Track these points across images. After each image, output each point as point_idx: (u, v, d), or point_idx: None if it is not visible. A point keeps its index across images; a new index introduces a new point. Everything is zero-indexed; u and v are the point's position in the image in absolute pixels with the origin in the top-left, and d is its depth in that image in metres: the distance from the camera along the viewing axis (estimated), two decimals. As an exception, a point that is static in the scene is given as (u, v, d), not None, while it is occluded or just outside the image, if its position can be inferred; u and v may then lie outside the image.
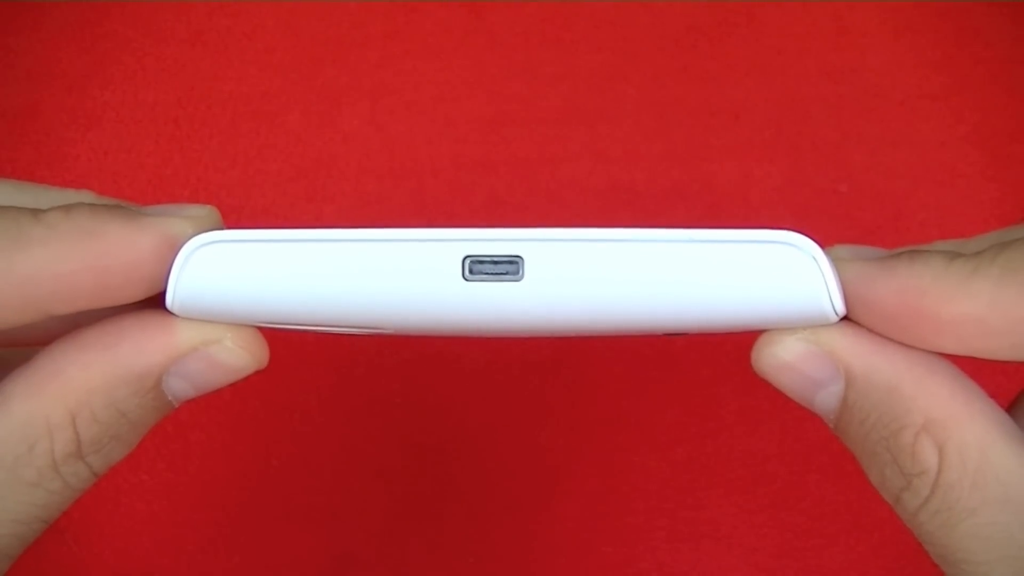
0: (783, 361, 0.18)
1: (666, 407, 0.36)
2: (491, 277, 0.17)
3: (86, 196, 0.19)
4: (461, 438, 0.36)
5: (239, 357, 0.19)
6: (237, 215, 0.38)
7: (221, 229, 0.18)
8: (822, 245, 0.17)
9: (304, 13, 0.41)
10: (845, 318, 0.18)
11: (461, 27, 0.41)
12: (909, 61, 0.40)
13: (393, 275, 0.17)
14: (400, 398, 0.36)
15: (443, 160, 0.39)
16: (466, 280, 0.17)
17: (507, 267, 0.17)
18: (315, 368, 0.36)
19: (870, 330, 0.18)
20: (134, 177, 0.39)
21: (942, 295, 0.16)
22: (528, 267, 0.17)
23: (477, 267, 0.17)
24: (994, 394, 0.18)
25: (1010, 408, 0.19)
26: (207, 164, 0.39)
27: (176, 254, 0.17)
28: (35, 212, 0.17)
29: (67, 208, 0.17)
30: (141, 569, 0.34)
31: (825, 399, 0.18)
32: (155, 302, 0.18)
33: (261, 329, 0.19)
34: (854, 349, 0.18)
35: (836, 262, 0.17)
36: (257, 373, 0.19)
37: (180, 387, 0.18)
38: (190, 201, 0.38)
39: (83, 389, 0.17)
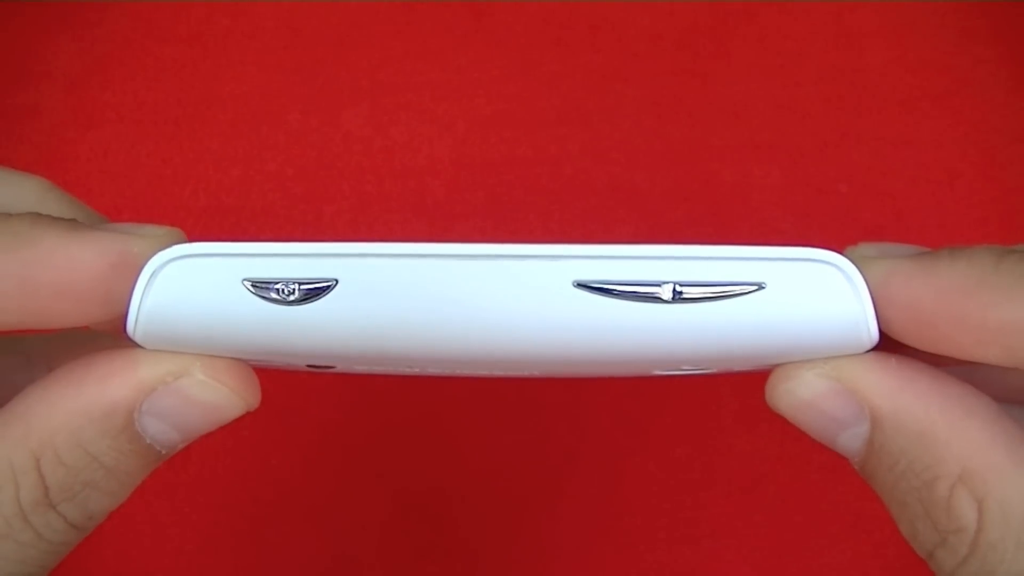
0: (801, 399, 0.16)
1: (666, 407, 0.36)
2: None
3: (36, 182, 0.18)
4: (461, 438, 0.36)
5: (215, 392, 0.17)
6: (237, 215, 0.38)
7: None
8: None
9: (304, 13, 0.41)
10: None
11: (461, 27, 0.41)
12: (909, 61, 0.40)
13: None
14: (400, 398, 0.36)
15: (443, 160, 0.39)
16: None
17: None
18: (315, 368, 0.36)
19: (899, 339, 0.16)
20: (134, 177, 0.39)
21: (989, 298, 0.14)
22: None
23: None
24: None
25: None
26: (207, 164, 0.39)
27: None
28: None
29: (8, 215, 0.16)
30: (141, 569, 0.34)
31: (849, 440, 0.16)
32: None
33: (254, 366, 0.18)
34: (881, 385, 0.16)
35: (862, 261, 0.16)
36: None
37: (158, 428, 0.17)
38: (189, 203, 0.38)
39: (45, 428, 0.16)
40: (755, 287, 0.16)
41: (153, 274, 0.16)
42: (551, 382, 0.36)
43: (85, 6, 0.41)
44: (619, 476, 0.35)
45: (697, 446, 0.36)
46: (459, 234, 0.38)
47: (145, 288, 0.16)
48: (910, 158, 0.39)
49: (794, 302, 0.16)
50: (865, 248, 0.16)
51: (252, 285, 0.16)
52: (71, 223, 0.16)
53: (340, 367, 0.20)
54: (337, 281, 0.16)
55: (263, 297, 0.16)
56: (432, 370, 0.21)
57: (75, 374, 0.16)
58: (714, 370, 0.21)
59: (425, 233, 0.38)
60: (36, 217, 0.16)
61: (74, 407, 0.16)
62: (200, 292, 0.16)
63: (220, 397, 0.17)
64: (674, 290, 0.16)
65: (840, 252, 0.16)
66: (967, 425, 0.15)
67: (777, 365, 0.17)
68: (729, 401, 0.36)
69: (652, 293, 0.16)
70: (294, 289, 0.16)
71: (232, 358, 0.17)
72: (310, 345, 0.16)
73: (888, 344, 0.16)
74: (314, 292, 0.16)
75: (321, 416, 0.36)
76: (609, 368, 0.21)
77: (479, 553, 0.35)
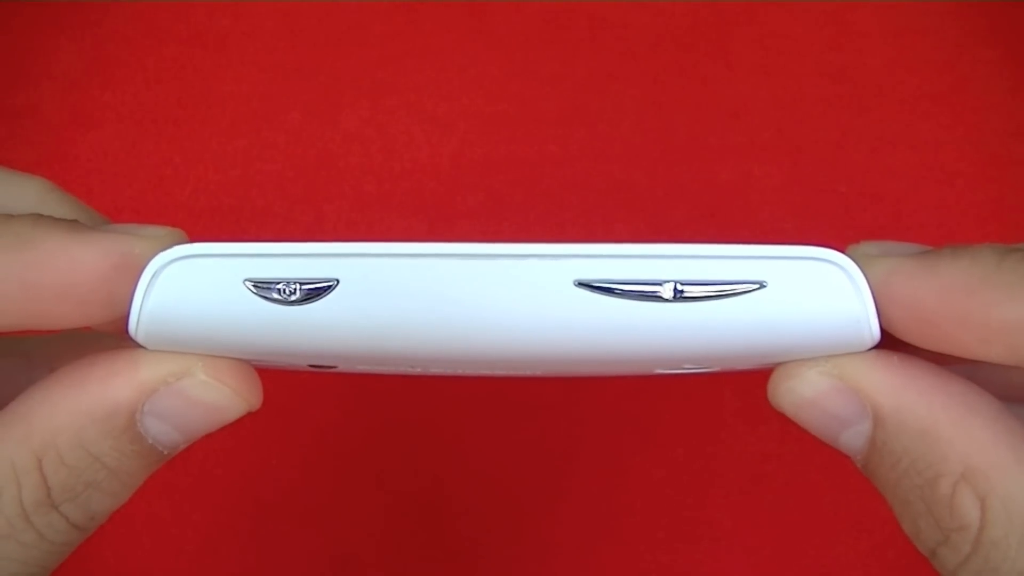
0: (803, 398, 0.16)
1: (666, 407, 0.36)
2: None
3: (37, 183, 0.18)
4: (461, 438, 0.36)
5: (216, 392, 0.17)
6: (237, 215, 0.38)
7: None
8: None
9: (304, 13, 0.41)
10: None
11: (461, 27, 0.41)
12: (909, 61, 0.40)
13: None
14: (400, 398, 0.36)
15: (443, 160, 0.39)
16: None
17: None
18: (315, 368, 0.36)
19: (901, 338, 0.16)
20: (134, 177, 0.39)
21: (992, 296, 0.14)
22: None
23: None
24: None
25: None
26: (207, 164, 0.39)
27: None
28: None
29: (9, 216, 0.16)
30: (141, 569, 0.34)
31: (851, 439, 0.16)
32: None
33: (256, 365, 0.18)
34: (883, 383, 0.16)
35: (863, 259, 0.16)
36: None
37: (160, 429, 0.17)
38: (189, 203, 0.38)
39: (47, 429, 0.16)
40: (756, 286, 0.16)
41: (155, 275, 0.16)
42: (551, 382, 0.36)
43: (85, 6, 0.41)
44: (619, 476, 0.35)
45: (697, 446, 0.36)
46: (459, 234, 0.38)
47: (147, 289, 0.16)
48: (910, 158, 0.39)
49: (796, 300, 0.16)
50: (867, 247, 0.16)
51: (253, 285, 0.16)
52: (72, 224, 0.16)
53: (342, 367, 0.20)
54: (338, 281, 0.16)
55: (264, 297, 0.16)
56: (434, 370, 0.21)
57: (77, 375, 0.16)
58: (716, 369, 0.21)
59: (425, 233, 0.38)
60: (37, 218, 0.16)
61: (76, 408, 0.16)
62: (202, 293, 0.16)
63: (222, 397, 0.17)
64: (675, 289, 0.16)
65: (841, 251, 0.16)
66: (969, 423, 0.15)
67: (779, 363, 0.17)
68: (730, 401, 0.36)
69: (653, 292, 0.16)
70: (295, 289, 0.16)
71: (234, 358, 0.17)
72: (311, 345, 0.16)
73: (890, 342, 0.16)
74: (315, 292, 0.16)
75: (321, 416, 0.36)
76: (611, 367, 0.21)
77: (479, 553, 0.35)
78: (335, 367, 0.20)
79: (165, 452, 0.17)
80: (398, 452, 0.36)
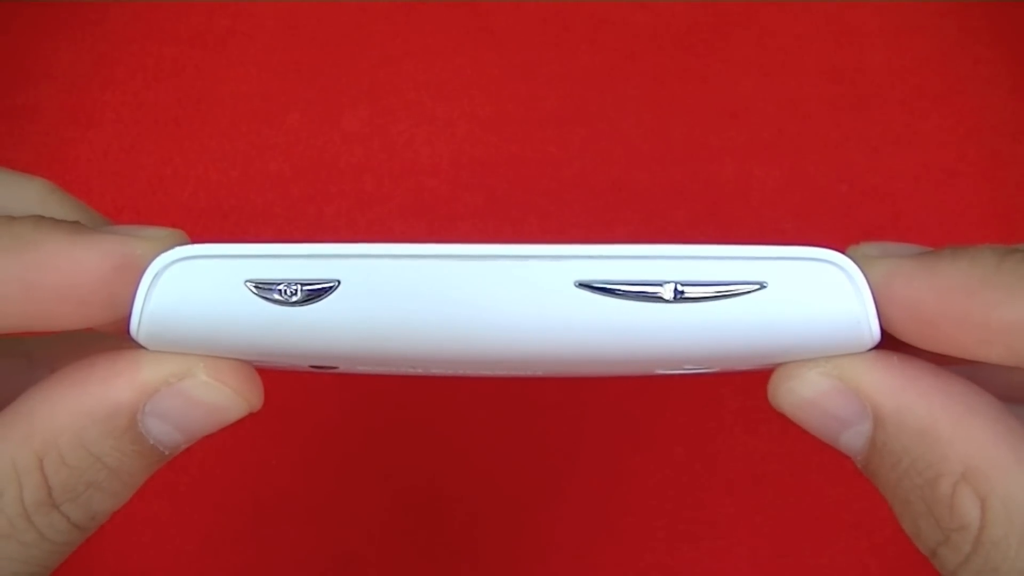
0: (803, 398, 0.16)
1: (666, 407, 0.36)
2: None
3: (38, 184, 0.18)
4: (461, 438, 0.36)
5: (218, 393, 0.17)
6: (237, 215, 0.38)
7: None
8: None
9: (304, 13, 0.41)
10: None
11: (461, 27, 0.41)
12: (909, 61, 0.40)
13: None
14: (400, 398, 0.36)
15: (443, 160, 0.39)
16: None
17: None
18: (315, 368, 0.36)
19: (901, 339, 0.16)
20: (134, 177, 0.39)
21: (992, 297, 0.14)
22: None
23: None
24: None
25: None
26: (207, 164, 0.39)
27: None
28: None
29: (11, 217, 0.16)
30: (141, 569, 0.34)
31: (851, 439, 0.16)
32: None
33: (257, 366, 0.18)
34: (883, 384, 0.16)
35: (863, 260, 0.16)
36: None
37: (161, 429, 0.17)
38: (189, 203, 0.38)
39: (48, 429, 0.16)
40: (757, 286, 0.16)
41: (156, 276, 0.16)
42: (551, 382, 0.36)
43: (85, 6, 0.41)
44: (619, 476, 0.35)
45: (697, 446, 0.36)
46: (459, 234, 0.38)
47: (148, 290, 0.16)
48: (910, 158, 0.39)
49: (796, 301, 0.16)
50: (867, 247, 0.16)
51: (255, 286, 0.16)
52: (74, 225, 0.16)
53: (343, 367, 0.20)
54: (339, 282, 0.16)
55: (265, 298, 0.16)
56: (434, 370, 0.21)
57: (78, 375, 0.16)
58: (716, 369, 0.21)
59: (425, 233, 0.38)
60: (39, 220, 0.16)
61: (77, 408, 0.16)
62: (203, 294, 0.16)
63: (223, 398, 0.17)
64: (676, 290, 0.16)
65: (842, 251, 0.16)
66: (970, 423, 0.15)
67: (779, 364, 0.17)
68: (729, 401, 0.36)
69: (654, 293, 0.16)
70: (296, 290, 0.16)
71: (235, 359, 0.17)
72: (313, 346, 0.16)
73: (890, 343, 0.16)
74: (316, 293, 0.16)
75: (321, 416, 0.36)
76: (611, 367, 0.21)
77: (479, 553, 0.35)
78: (336, 368, 0.20)
79: (166, 452, 0.17)
80: (398, 452, 0.36)
